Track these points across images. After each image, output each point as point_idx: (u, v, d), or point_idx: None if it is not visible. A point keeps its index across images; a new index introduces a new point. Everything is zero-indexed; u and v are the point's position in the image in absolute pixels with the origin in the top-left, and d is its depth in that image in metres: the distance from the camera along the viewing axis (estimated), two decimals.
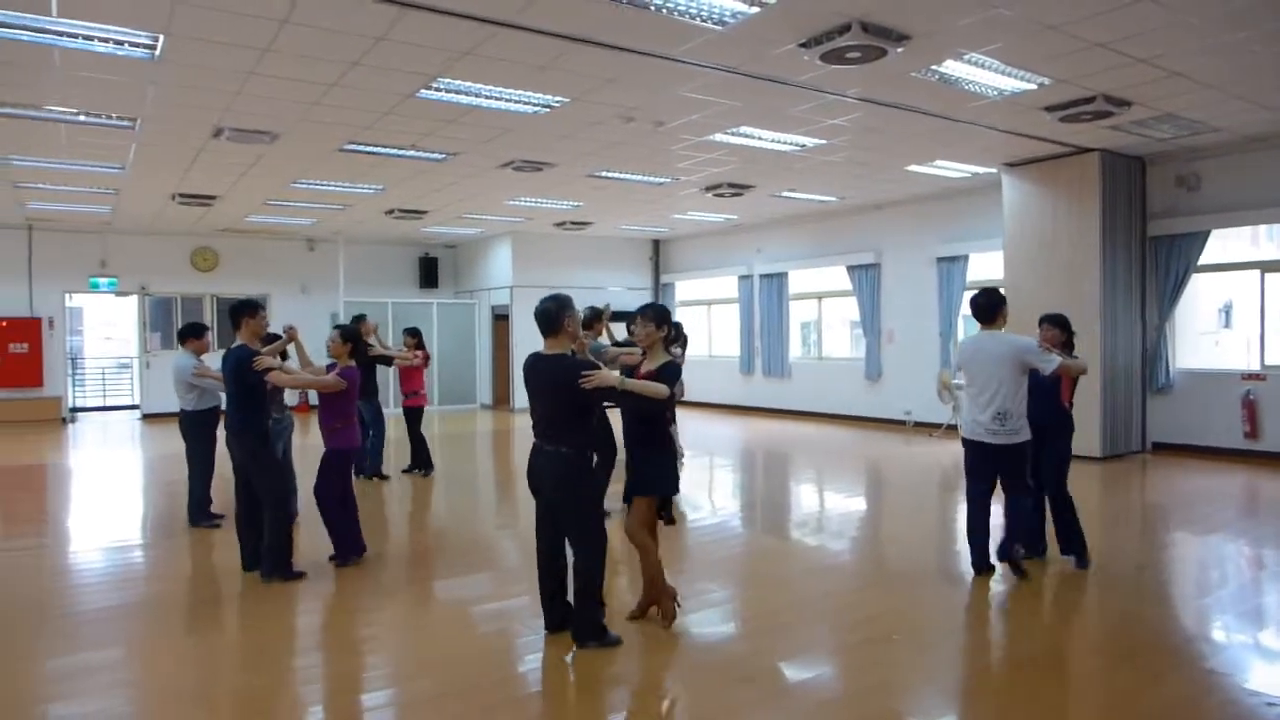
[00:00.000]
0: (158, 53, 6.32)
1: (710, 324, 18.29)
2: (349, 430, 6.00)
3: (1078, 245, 10.22)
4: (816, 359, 16.11)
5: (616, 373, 4.38)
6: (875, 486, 9.67)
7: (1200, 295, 11.25)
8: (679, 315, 18.10)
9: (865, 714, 3.73)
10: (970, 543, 5.59)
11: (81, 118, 8.07)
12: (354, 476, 9.13)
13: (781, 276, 15.96)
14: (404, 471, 9.79)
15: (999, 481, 5.46)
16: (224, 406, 6.05)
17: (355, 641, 4.78)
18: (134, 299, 16.89)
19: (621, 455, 5.22)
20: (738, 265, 16.85)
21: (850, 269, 14.59)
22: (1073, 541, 5.76)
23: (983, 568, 5.52)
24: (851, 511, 8.40)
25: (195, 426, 7.18)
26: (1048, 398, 5.62)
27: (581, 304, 7.79)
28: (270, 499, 5.64)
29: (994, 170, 11.05)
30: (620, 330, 7.87)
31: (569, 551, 4.41)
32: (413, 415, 9.67)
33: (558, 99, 7.69)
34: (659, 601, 4.70)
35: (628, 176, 11.33)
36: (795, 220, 15.42)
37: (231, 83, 7.08)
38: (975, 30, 6.12)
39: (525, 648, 4.50)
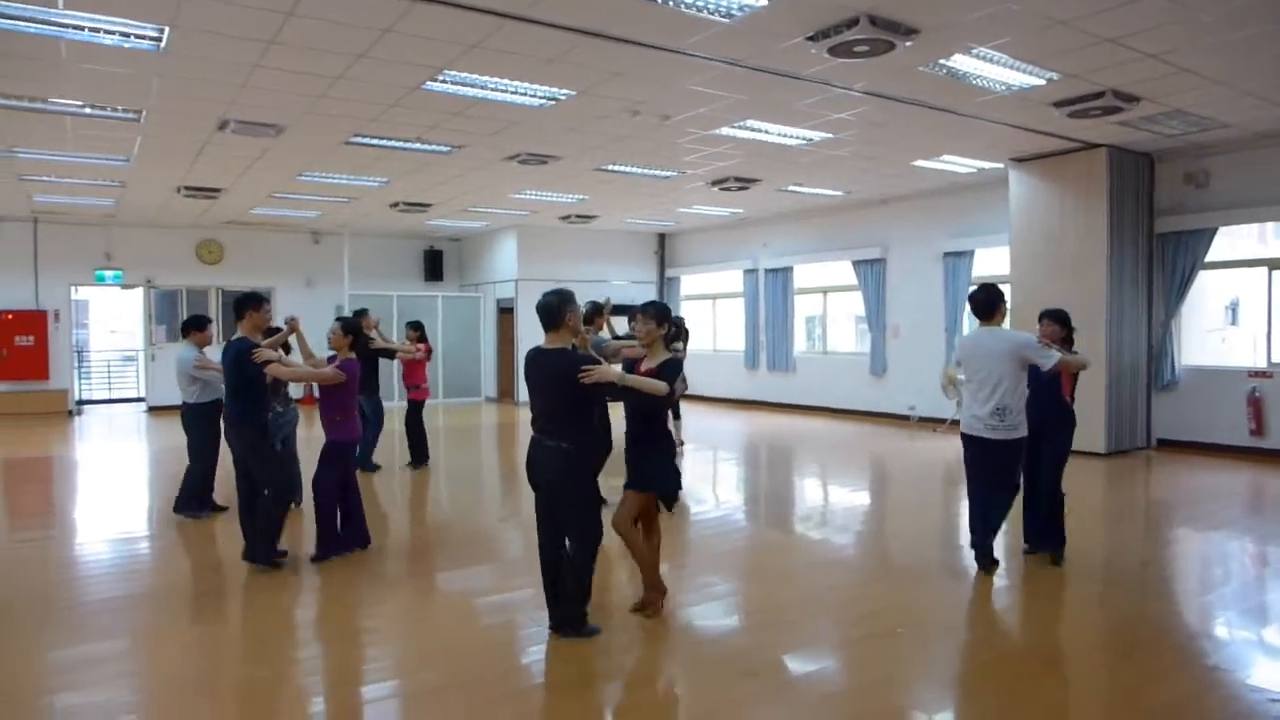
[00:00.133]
0: (163, 45, 6.32)
1: (715, 318, 18.28)
2: (348, 422, 6.00)
3: (1085, 241, 10.18)
4: (821, 354, 16.09)
5: (617, 368, 4.38)
6: (879, 481, 9.67)
7: (1207, 292, 11.21)
8: (684, 309, 18.12)
9: (868, 708, 3.73)
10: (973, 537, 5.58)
11: (87, 110, 8.07)
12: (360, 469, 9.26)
13: (787, 271, 15.93)
14: (409, 465, 9.80)
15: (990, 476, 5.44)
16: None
17: (358, 633, 4.80)
18: (139, 292, 16.92)
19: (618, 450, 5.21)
20: (743, 259, 16.83)
21: (856, 264, 14.56)
22: (1052, 538, 5.74)
23: (986, 563, 5.52)
24: (855, 506, 8.40)
25: (197, 419, 7.19)
26: (1049, 393, 5.61)
27: (587, 298, 7.85)
28: (271, 490, 5.67)
29: (1001, 165, 11.01)
30: (621, 324, 7.86)
31: (569, 544, 4.42)
32: (415, 408, 9.69)
33: (564, 92, 7.68)
34: (648, 593, 4.68)
35: (634, 170, 11.32)
36: (801, 215, 15.39)
37: (237, 75, 7.08)
38: (984, 24, 6.10)
39: (528, 640, 4.51)
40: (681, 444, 10.82)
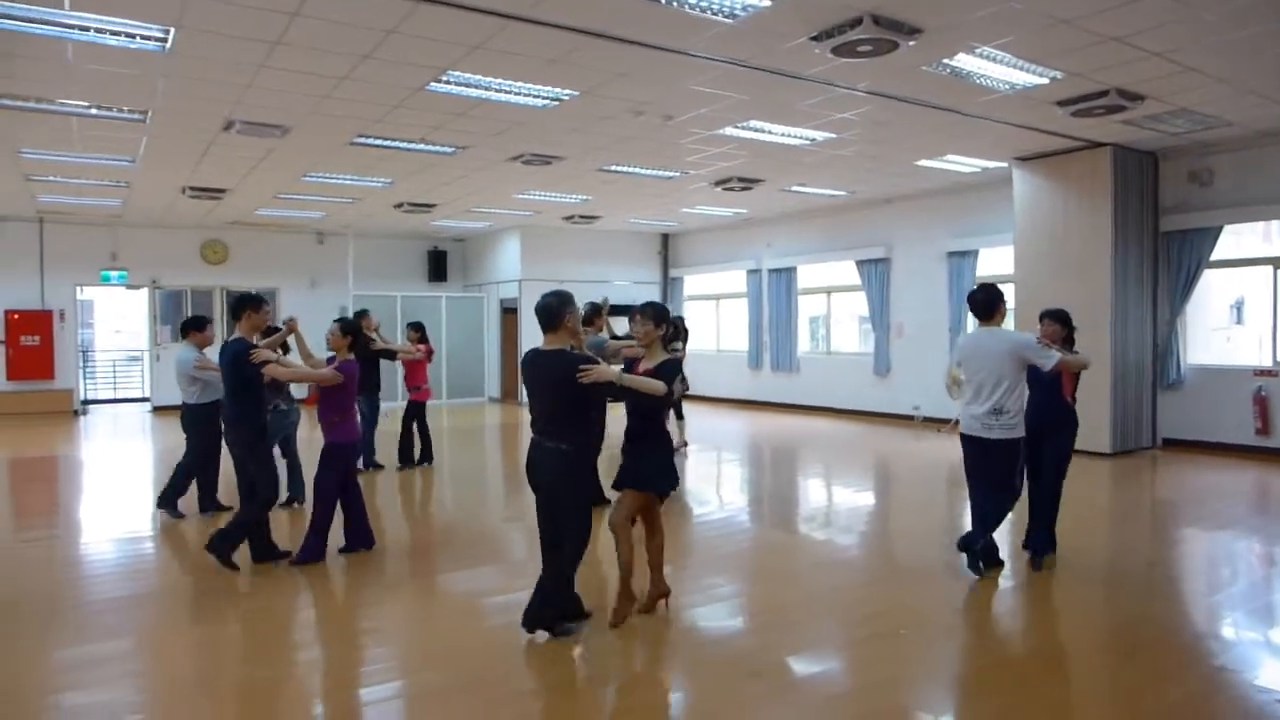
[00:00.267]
0: (169, 46, 6.33)
1: (719, 318, 18.27)
2: (346, 424, 5.98)
3: (1089, 240, 10.16)
4: (825, 354, 16.08)
5: (617, 368, 4.38)
6: (883, 482, 9.66)
7: (1212, 291, 11.18)
8: (688, 310, 18.12)
9: (873, 709, 3.73)
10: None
11: (93, 111, 8.10)
12: (365, 469, 9.27)
13: (790, 271, 15.92)
14: (415, 465, 9.80)
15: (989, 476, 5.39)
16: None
17: (362, 633, 4.81)
18: (144, 292, 16.97)
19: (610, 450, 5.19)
20: (746, 260, 16.82)
21: (859, 264, 14.54)
22: (1046, 542, 5.69)
23: (991, 563, 5.51)
24: (859, 506, 8.39)
25: (197, 420, 7.17)
26: (1049, 394, 5.59)
27: (590, 299, 7.85)
28: (261, 489, 5.68)
29: (1005, 164, 10.99)
30: (621, 325, 7.86)
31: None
32: (417, 409, 9.70)
33: (568, 92, 7.68)
34: (619, 601, 4.58)
35: (637, 170, 11.32)
36: (804, 215, 15.38)
37: (242, 76, 7.10)
38: (987, 24, 6.09)
39: (532, 641, 4.51)
40: (685, 444, 10.83)
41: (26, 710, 3.76)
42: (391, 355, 9.48)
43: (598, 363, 4.26)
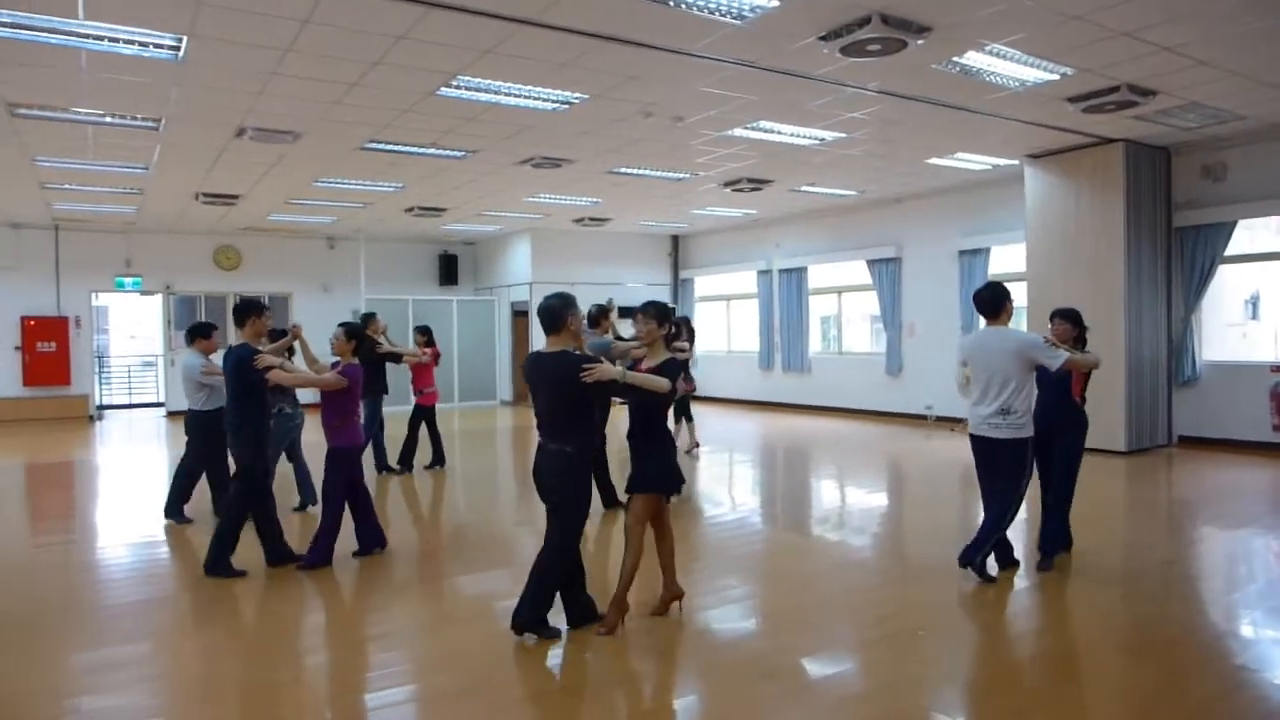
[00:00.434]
0: (181, 54, 6.38)
1: (730, 319, 18.26)
2: (349, 428, 5.99)
3: (1101, 237, 10.10)
4: (836, 354, 16.04)
5: (620, 367, 4.39)
6: (896, 482, 9.62)
7: (1227, 286, 11.08)
8: (698, 311, 18.12)
9: (889, 710, 3.71)
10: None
11: (107, 119, 8.17)
12: (379, 472, 9.32)
13: (801, 271, 15.89)
14: (425, 468, 9.84)
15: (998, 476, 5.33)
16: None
17: (374, 637, 4.82)
18: (159, 298, 17.11)
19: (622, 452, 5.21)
20: (757, 260, 16.80)
21: (870, 263, 14.51)
22: (1056, 542, 5.66)
23: (1006, 563, 5.48)
24: (873, 507, 8.36)
25: (202, 427, 7.18)
26: (1058, 394, 5.55)
27: (600, 301, 7.86)
28: (254, 494, 5.72)
29: (1016, 162, 10.94)
30: (628, 327, 7.86)
31: (579, 549, 4.43)
32: (425, 413, 9.73)
33: (578, 95, 7.69)
34: (611, 608, 4.54)
35: (647, 172, 11.32)
36: (814, 215, 15.35)
37: (254, 83, 7.14)
38: (997, 21, 6.06)
39: (543, 644, 4.51)
40: (697, 446, 10.82)
41: (45, 713, 3.79)
42: (397, 358, 9.52)
43: (600, 362, 4.28)
